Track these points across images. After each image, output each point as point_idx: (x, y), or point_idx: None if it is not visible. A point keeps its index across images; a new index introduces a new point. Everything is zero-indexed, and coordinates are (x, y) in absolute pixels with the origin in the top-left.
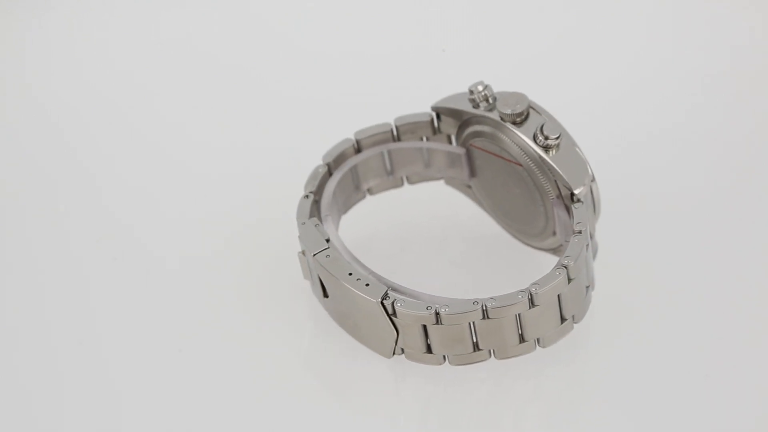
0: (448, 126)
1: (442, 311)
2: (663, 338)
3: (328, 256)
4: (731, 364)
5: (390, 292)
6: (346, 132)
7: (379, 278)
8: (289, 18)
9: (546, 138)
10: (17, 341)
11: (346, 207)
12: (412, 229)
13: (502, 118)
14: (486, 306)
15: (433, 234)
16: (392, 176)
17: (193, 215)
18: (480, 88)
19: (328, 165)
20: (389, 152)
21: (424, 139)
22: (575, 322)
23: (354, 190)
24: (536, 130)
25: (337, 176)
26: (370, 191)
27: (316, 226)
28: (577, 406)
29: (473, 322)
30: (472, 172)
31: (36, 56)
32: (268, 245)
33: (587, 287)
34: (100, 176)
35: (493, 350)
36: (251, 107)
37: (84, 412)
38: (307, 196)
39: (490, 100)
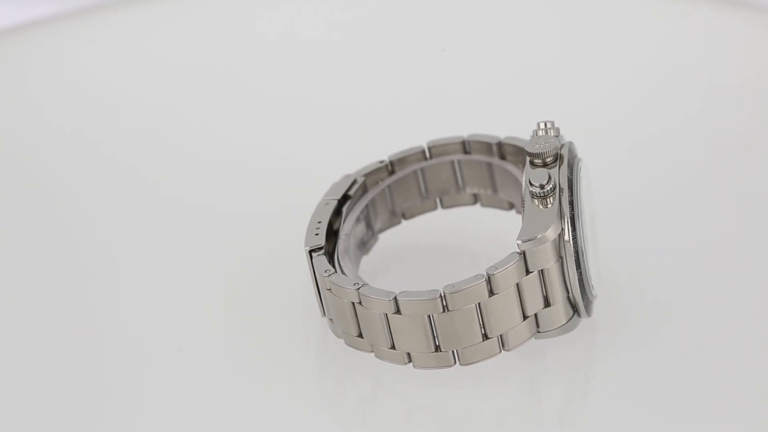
0: None
1: (330, 278)
2: (661, 343)
3: (327, 204)
4: (731, 367)
5: (337, 253)
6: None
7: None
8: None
9: (540, 187)
10: (16, 341)
11: (440, 197)
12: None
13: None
14: (361, 294)
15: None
16: (496, 194)
17: (199, 216)
18: (546, 125)
19: (426, 151)
20: (492, 166)
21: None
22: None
23: (455, 188)
24: (531, 176)
25: (434, 161)
26: (477, 198)
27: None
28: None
29: (353, 303)
30: None
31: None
32: (274, 248)
33: (489, 336)
34: (106, 180)
35: (372, 345)
36: (260, 117)
37: (83, 412)
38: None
39: None
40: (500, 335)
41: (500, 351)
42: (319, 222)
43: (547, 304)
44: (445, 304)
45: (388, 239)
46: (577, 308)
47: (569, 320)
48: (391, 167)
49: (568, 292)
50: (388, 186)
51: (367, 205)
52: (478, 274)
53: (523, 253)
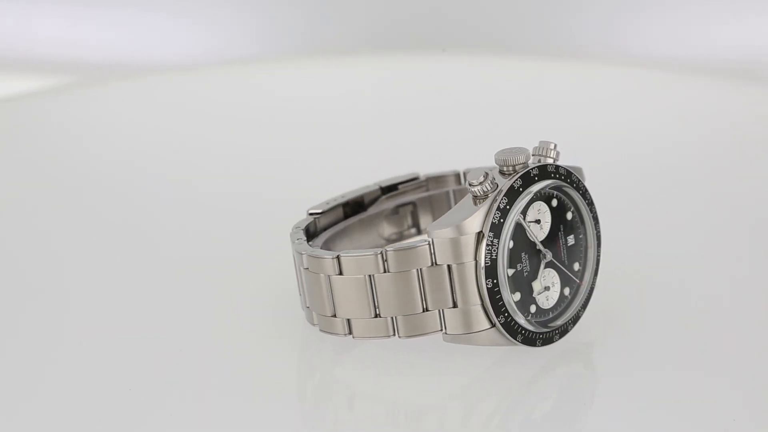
0: None
1: (294, 233)
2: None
3: (367, 186)
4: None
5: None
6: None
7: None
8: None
9: (480, 184)
10: (17, 341)
11: None
12: None
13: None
14: (300, 252)
15: None
16: None
17: (204, 217)
18: (547, 146)
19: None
20: None
21: None
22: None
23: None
24: (470, 173)
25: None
26: None
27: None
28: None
29: (299, 266)
30: None
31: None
32: (280, 251)
33: (380, 314)
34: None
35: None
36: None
37: (83, 412)
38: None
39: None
40: (393, 318)
41: (394, 334)
42: (342, 197)
43: (455, 304)
44: (339, 266)
45: None
46: (494, 325)
47: (483, 332)
48: (463, 178)
49: (482, 302)
50: (453, 191)
51: (414, 202)
52: (378, 247)
53: (431, 242)
